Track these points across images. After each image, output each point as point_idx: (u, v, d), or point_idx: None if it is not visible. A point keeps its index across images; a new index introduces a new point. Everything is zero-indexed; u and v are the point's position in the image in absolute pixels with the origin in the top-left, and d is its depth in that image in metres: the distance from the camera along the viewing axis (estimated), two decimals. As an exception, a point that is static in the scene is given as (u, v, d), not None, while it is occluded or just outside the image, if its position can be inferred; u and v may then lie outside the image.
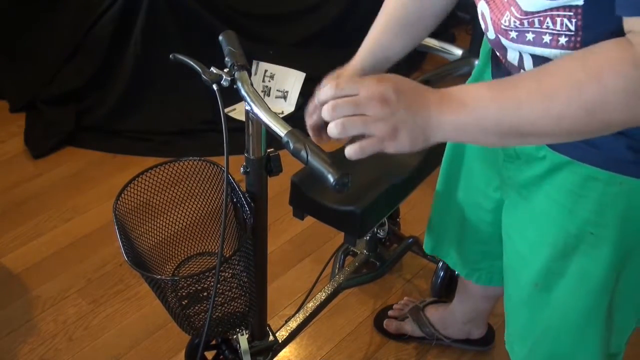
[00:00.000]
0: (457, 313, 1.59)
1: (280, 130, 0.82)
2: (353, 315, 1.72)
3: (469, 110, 0.70)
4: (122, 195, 1.03)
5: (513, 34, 0.76)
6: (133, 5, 2.40)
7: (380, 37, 1.00)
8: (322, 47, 2.78)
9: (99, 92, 2.47)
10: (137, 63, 2.45)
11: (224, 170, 1.02)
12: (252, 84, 0.90)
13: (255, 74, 2.56)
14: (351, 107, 0.70)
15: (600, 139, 0.78)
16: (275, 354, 1.34)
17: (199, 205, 1.14)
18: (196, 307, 1.05)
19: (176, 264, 1.16)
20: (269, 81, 2.56)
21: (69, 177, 2.23)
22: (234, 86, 0.90)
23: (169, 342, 1.67)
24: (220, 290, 1.03)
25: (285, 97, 2.53)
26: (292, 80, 2.55)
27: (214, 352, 1.34)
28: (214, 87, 0.89)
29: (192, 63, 0.92)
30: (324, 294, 1.52)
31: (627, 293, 0.93)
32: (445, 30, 2.86)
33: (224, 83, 0.90)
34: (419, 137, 0.71)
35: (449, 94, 0.71)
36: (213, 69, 0.90)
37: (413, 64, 2.82)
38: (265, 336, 1.28)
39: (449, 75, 2.61)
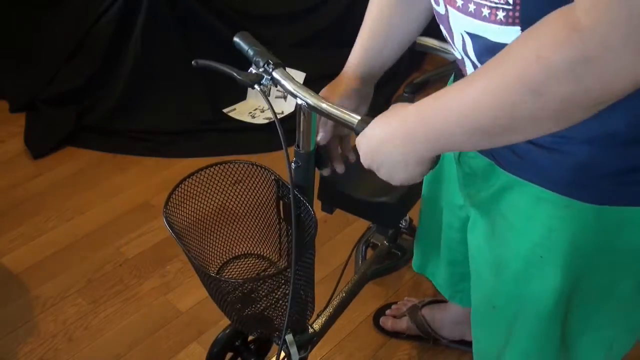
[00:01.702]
0: (450, 312, 1.59)
1: (352, 118, 0.85)
2: (354, 315, 1.72)
3: (437, 107, 0.71)
4: (170, 199, 1.05)
5: (459, 2, 0.73)
6: (133, 5, 2.40)
7: (369, 44, 0.99)
8: (322, 47, 2.78)
9: (99, 92, 2.47)
10: (137, 63, 2.45)
11: (273, 176, 1.06)
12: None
13: (255, 74, 2.56)
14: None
15: (544, 158, 0.77)
16: (314, 345, 1.36)
17: (237, 206, 1.15)
18: (245, 307, 1.08)
19: (218, 265, 1.18)
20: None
21: (69, 177, 2.22)
22: (276, 85, 0.91)
23: (169, 342, 1.67)
24: (271, 294, 1.04)
25: (285, 97, 2.53)
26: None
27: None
28: (257, 87, 0.89)
29: (222, 67, 0.91)
30: (351, 284, 1.53)
31: (583, 326, 0.90)
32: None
33: (265, 82, 0.90)
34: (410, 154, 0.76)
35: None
36: (252, 70, 0.91)
37: (413, 64, 2.82)
38: (306, 330, 1.31)
39: (449, 75, 2.61)
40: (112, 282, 1.84)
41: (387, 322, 1.69)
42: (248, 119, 2.49)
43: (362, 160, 0.84)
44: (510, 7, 0.68)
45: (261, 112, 2.53)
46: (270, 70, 0.90)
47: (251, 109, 2.55)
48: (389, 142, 0.77)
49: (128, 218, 2.05)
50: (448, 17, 0.78)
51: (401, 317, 1.68)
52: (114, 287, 1.82)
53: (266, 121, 2.47)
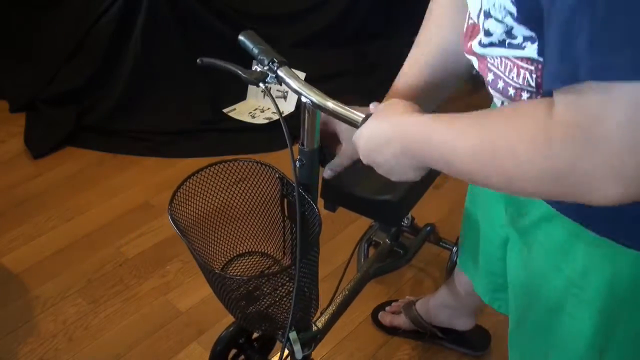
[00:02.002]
0: (438, 296, 1.59)
1: (356, 116, 0.86)
2: (354, 314, 1.72)
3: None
4: (175, 197, 1.05)
5: (490, 77, 0.76)
6: (133, 5, 2.40)
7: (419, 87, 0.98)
8: (322, 47, 2.78)
9: (99, 92, 2.47)
10: (137, 63, 2.45)
11: (278, 174, 1.06)
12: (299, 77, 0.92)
13: (255, 74, 2.56)
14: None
15: None
16: (317, 343, 1.37)
17: (241, 204, 1.15)
18: (249, 305, 1.09)
19: (222, 263, 1.18)
20: (269, 81, 2.56)
21: (69, 177, 2.22)
22: (280, 84, 0.91)
23: (169, 342, 1.67)
24: (275, 291, 1.05)
25: (285, 97, 2.53)
26: (292, 80, 2.55)
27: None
28: (261, 85, 0.90)
29: (227, 66, 0.91)
30: (353, 282, 1.53)
31: None
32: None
33: (270, 80, 0.90)
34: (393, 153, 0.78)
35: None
36: (257, 68, 0.91)
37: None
38: (310, 328, 1.31)
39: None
40: (112, 282, 1.83)
41: (385, 317, 1.69)
42: (248, 119, 2.49)
43: (360, 157, 0.85)
44: (534, 90, 0.70)
45: (261, 112, 2.53)
46: (275, 68, 0.90)
47: (251, 109, 2.55)
48: (385, 146, 0.79)
49: (128, 218, 2.05)
50: (489, 87, 0.80)
51: (399, 314, 1.68)
52: (114, 287, 1.82)
53: (266, 121, 2.47)
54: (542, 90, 0.68)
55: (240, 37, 0.96)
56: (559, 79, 0.55)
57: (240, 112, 2.53)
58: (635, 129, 0.52)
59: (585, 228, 0.78)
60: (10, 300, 1.77)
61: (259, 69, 0.91)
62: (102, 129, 2.41)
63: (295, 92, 0.91)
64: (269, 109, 2.54)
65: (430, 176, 1.38)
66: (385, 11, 2.86)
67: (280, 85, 0.92)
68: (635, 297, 0.80)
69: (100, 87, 2.47)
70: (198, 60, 0.92)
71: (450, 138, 0.70)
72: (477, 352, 1.64)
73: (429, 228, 1.77)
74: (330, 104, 0.89)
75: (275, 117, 2.48)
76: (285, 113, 2.47)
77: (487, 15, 0.70)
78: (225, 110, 2.52)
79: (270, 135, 2.40)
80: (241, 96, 2.60)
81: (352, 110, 0.87)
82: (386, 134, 0.79)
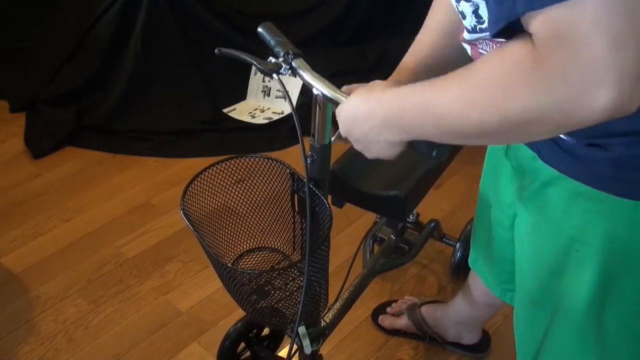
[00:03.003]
0: (452, 312, 1.58)
1: None
2: (354, 315, 1.72)
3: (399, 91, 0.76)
4: (187, 193, 1.05)
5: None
6: (133, 5, 2.40)
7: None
8: (322, 47, 2.78)
9: (99, 92, 2.48)
10: (137, 63, 2.45)
11: (289, 170, 1.07)
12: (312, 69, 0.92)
13: (256, 74, 2.56)
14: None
15: (584, 152, 0.79)
16: (326, 338, 1.37)
17: (251, 200, 1.16)
18: (260, 299, 1.10)
19: (232, 258, 1.18)
20: (269, 81, 2.56)
21: (69, 177, 2.23)
22: (295, 75, 0.92)
23: (169, 342, 1.67)
24: (286, 286, 1.05)
25: (285, 97, 2.53)
26: (292, 80, 2.55)
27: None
28: (275, 76, 0.91)
29: (243, 56, 0.92)
30: (359, 278, 1.53)
31: (618, 324, 0.90)
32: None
33: (284, 72, 0.91)
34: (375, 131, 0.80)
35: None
36: (272, 59, 0.92)
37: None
38: (319, 323, 1.32)
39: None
40: (112, 282, 1.83)
41: (385, 320, 1.69)
42: (248, 119, 2.49)
43: (340, 130, 0.87)
44: None
45: (261, 112, 2.53)
46: (290, 60, 0.91)
47: (251, 109, 2.55)
48: (367, 121, 0.81)
49: (128, 218, 2.05)
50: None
51: (400, 315, 1.68)
52: (114, 287, 1.82)
53: (266, 121, 2.47)
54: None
55: (259, 29, 0.97)
56: (502, 16, 0.59)
57: (240, 112, 2.53)
58: (608, 27, 0.54)
59: (586, 185, 0.80)
60: (10, 300, 1.77)
61: (274, 60, 0.92)
62: (102, 129, 2.41)
63: (308, 83, 0.91)
64: (268, 109, 2.54)
65: (436, 171, 1.38)
66: (385, 11, 2.85)
67: (295, 77, 0.92)
68: (631, 247, 0.82)
69: (100, 87, 2.48)
70: (216, 51, 0.94)
71: (429, 95, 0.71)
72: (477, 354, 1.64)
73: (433, 224, 1.78)
74: (341, 97, 0.89)
75: (275, 117, 2.48)
76: (286, 112, 2.47)
77: None
78: (225, 110, 2.52)
79: (270, 135, 2.40)
80: (241, 96, 2.60)
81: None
82: (369, 108, 0.81)
